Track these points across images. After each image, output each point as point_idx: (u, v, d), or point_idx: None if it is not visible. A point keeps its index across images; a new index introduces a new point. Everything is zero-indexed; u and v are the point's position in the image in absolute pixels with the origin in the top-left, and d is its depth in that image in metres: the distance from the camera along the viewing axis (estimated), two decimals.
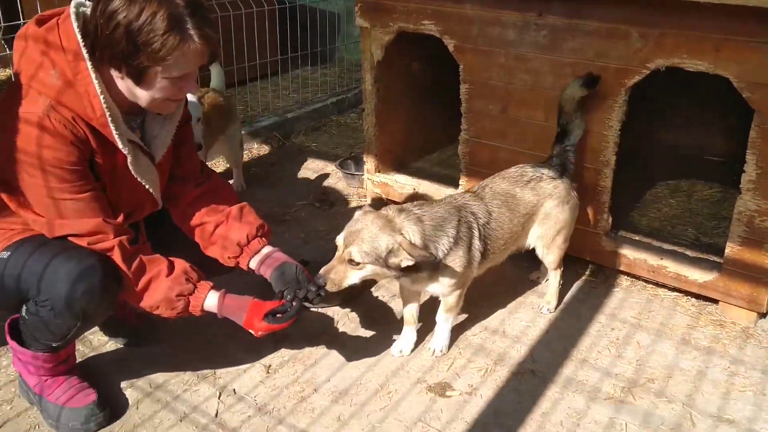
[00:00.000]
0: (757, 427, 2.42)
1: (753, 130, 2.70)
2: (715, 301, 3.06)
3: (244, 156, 4.84)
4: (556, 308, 3.11)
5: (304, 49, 5.77)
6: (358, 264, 2.43)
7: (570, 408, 2.54)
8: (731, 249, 2.88)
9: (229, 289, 2.43)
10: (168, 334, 2.92)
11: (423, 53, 4.05)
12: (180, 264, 2.35)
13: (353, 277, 2.47)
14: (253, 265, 2.61)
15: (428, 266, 2.52)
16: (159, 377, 2.73)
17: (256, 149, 4.97)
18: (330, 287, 2.45)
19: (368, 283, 3.21)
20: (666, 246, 3.26)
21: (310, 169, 4.69)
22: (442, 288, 2.68)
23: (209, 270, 2.69)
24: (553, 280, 3.09)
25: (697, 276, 3.03)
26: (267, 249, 2.62)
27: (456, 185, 3.72)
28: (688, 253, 3.20)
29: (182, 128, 2.53)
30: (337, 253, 2.48)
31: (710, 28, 2.67)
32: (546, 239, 2.95)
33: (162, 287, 2.27)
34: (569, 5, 3.00)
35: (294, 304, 2.42)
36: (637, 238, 3.35)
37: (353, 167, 4.47)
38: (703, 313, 3.06)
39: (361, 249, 2.41)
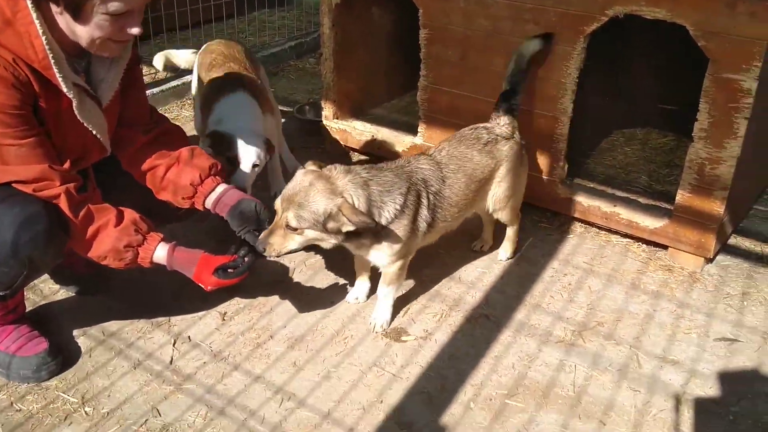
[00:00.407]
0: (700, 367, 2.51)
1: (707, 78, 2.72)
2: (665, 247, 3.13)
3: None
4: (513, 256, 3.15)
5: None
6: (296, 229, 2.32)
7: (522, 351, 2.60)
8: (682, 196, 2.94)
9: (185, 239, 2.40)
10: (121, 282, 2.88)
11: None
12: (129, 214, 2.29)
13: (293, 243, 2.36)
14: (208, 204, 2.57)
15: (370, 232, 2.43)
16: (112, 325, 2.70)
17: None
18: (270, 253, 2.36)
19: None
20: (619, 193, 3.31)
21: None
22: (384, 256, 2.55)
23: (163, 218, 2.65)
24: (510, 230, 3.10)
25: (649, 223, 3.09)
26: (222, 187, 2.57)
27: (415, 132, 3.70)
28: (641, 200, 3.26)
29: (130, 71, 2.44)
30: (276, 218, 2.39)
31: None
32: (503, 200, 2.90)
33: (110, 237, 2.23)
34: None
35: (246, 260, 2.40)
36: (591, 186, 3.39)
37: (311, 114, 4.40)
38: (653, 259, 3.14)
39: (298, 213, 2.29)
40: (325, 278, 3.00)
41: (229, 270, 2.37)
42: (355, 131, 3.95)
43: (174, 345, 2.61)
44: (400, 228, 2.50)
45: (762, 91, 2.68)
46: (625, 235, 3.25)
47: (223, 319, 2.74)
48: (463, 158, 2.73)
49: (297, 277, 3.01)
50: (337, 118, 4.03)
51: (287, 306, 2.82)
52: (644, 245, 3.21)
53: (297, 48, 5.69)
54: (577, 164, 3.52)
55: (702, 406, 2.35)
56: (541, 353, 2.59)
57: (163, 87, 4.63)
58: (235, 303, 2.82)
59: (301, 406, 2.35)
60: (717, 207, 2.86)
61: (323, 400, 2.37)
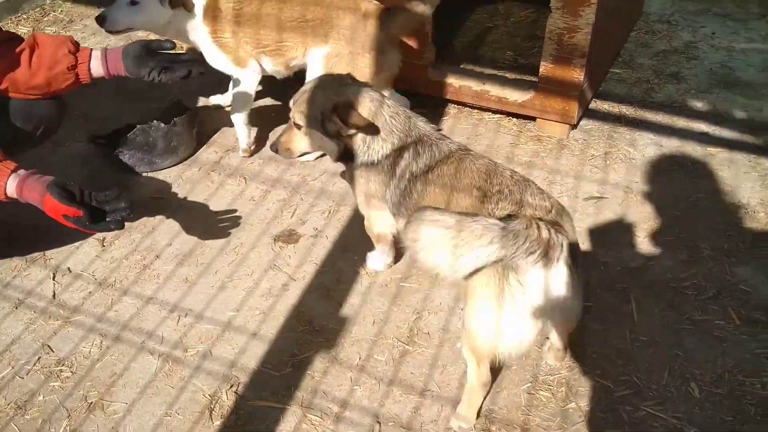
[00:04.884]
0: None
1: None
2: (533, 119, 3.26)
3: (36, 14, 4.28)
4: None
5: None
6: (300, 127, 2.21)
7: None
8: (544, 67, 3.04)
9: (42, 165, 2.23)
10: None
11: None
12: None
13: (301, 143, 2.24)
14: (95, 68, 2.40)
15: (352, 155, 2.19)
16: None
17: (49, 5, 4.38)
18: (282, 153, 2.28)
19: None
20: (487, 71, 3.38)
21: None
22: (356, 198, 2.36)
23: (18, 145, 2.45)
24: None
25: (517, 96, 3.19)
26: (97, 50, 2.42)
27: None
28: (508, 75, 3.34)
29: None
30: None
31: None
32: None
33: None
34: None
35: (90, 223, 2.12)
36: (461, 66, 3.43)
37: None
38: (523, 131, 3.26)
39: (300, 109, 2.18)
40: (205, 190, 2.92)
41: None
42: None
43: (54, 278, 2.49)
44: (371, 175, 2.20)
45: None
46: (497, 111, 3.35)
47: (103, 246, 2.63)
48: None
49: (175, 193, 2.90)
50: None
51: (170, 223, 2.74)
52: (514, 119, 3.33)
53: None
54: (444, 46, 3.53)
55: None
56: None
57: None
58: None
59: (200, 319, 2.34)
60: (577, 75, 2.98)
61: (221, 310, 2.37)
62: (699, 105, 3.37)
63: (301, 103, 2.19)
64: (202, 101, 3.46)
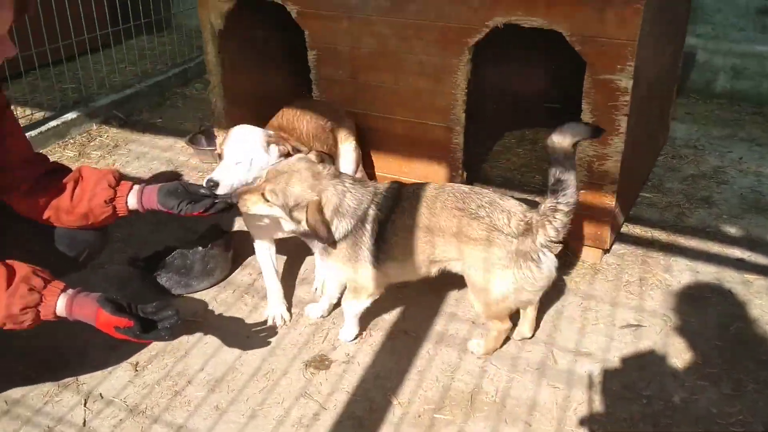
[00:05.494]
0: (610, 356, 2.64)
1: (586, 80, 2.86)
2: (565, 243, 3.27)
3: (82, 139, 4.51)
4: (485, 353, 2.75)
5: (137, 19, 5.39)
6: (268, 201, 2.46)
7: (444, 362, 2.63)
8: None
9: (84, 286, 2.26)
10: (19, 343, 2.69)
11: (267, 19, 3.92)
12: (21, 271, 2.11)
13: (260, 208, 2.49)
14: (131, 202, 2.49)
15: (320, 240, 2.51)
16: (15, 392, 2.52)
17: (95, 130, 4.63)
18: (241, 206, 2.51)
19: (232, 268, 3.17)
20: (518, 195, 3.43)
21: (159, 147, 4.44)
22: (329, 271, 2.68)
23: (62, 268, 2.51)
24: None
25: None
26: (138, 186, 2.53)
27: None
28: (538, 200, 3.38)
29: (1, 120, 2.30)
30: (260, 182, 2.51)
31: None
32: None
33: (1, 304, 2.07)
34: None
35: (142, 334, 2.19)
36: (491, 190, 3.49)
37: (204, 142, 4.28)
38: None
39: (275, 189, 2.42)
40: (238, 313, 2.93)
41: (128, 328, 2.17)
42: None
43: (85, 405, 2.47)
44: (343, 249, 2.53)
45: (636, 86, 2.85)
46: None
47: (136, 370, 2.62)
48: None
49: (209, 315, 2.92)
50: None
51: (203, 347, 2.73)
52: None
53: (182, 75, 5.52)
54: (474, 170, 3.62)
55: (616, 393, 2.47)
56: (463, 362, 2.63)
57: (42, 128, 4.37)
58: (147, 351, 2.70)
59: None
60: (608, 200, 3.02)
61: None
62: (732, 230, 3.36)
63: (278, 183, 2.43)
64: (237, 224, 3.54)
